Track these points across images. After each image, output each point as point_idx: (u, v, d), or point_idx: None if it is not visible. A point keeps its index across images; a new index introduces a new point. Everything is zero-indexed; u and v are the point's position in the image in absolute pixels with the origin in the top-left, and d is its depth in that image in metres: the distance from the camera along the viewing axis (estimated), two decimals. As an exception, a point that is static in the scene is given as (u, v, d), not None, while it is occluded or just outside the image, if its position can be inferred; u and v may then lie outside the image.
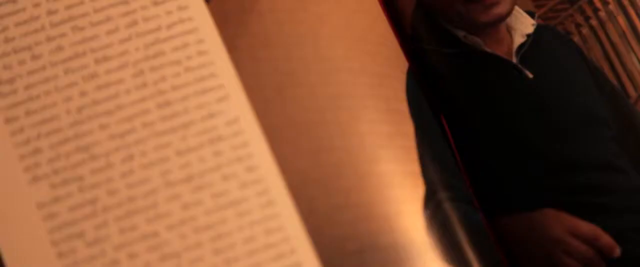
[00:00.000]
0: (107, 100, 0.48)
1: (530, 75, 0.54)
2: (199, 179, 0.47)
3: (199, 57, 0.49)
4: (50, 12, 0.50)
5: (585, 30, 0.55)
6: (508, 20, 0.55)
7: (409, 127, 0.51)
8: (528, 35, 0.55)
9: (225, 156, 0.48)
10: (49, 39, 0.49)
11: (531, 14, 0.55)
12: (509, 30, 0.55)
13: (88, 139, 0.48)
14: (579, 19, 0.55)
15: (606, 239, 0.51)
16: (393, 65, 0.53)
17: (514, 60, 0.54)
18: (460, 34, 0.55)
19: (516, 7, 0.55)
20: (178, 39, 0.50)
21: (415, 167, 0.50)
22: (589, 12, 0.56)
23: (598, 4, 0.56)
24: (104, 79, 0.49)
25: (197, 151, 0.48)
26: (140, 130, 0.48)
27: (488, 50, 0.55)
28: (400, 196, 0.49)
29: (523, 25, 0.55)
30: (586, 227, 0.51)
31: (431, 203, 0.50)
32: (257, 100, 0.49)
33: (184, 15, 0.50)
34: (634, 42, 0.55)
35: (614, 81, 0.54)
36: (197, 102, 0.49)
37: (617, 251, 0.51)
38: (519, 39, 0.55)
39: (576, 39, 0.55)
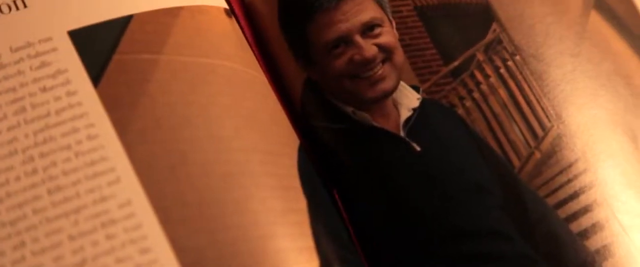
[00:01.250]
0: (-4, 188, 0.48)
1: (418, 148, 0.55)
2: (92, 263, 0.47)
3: (89, 142, 0.49)
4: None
5: (468, 103, 0.56)
6: (394, 95, 0.56)
7: (302, 204, 0.51)
8: (414, 109, 0.56)
9: (118, 239, 0.48)
10: None
11: (416, 89, 0.56)
12: (396, 105, 0.56)
13: (-23, 227, 0.47)
14: (462, 92, 0.56)
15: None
16: (284, 142, 0.54)
17: (402, 134, 0.55)
18: (349, 109, 0.56)
19: (402, 82, 0.56)
20: (67, 124, 0.49)
21: (309, 242, 0.50)
22: (472, 85, 0.57)
23: (480, 78, 0.57)
24: (-7, 167, 0.48)
25: (90, 235, 0.47)
26: (31, 216, 0.48)
27: (376, 125, 0.55)
28: (295, 271, 0.49)
29: (409, 99, 0.56)
30: (477, 294, 0.52)
31: (326, 277, 0.50)
32: (150, 181, 0.49)
33: (73, 101, 0.50)
34: (515, 113, 0.56)
35: (498, 151, 0.55)
36: (88, 187, 0.48)
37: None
38: (405, 113, 0.56)
39: (460, 111, 0.56)
